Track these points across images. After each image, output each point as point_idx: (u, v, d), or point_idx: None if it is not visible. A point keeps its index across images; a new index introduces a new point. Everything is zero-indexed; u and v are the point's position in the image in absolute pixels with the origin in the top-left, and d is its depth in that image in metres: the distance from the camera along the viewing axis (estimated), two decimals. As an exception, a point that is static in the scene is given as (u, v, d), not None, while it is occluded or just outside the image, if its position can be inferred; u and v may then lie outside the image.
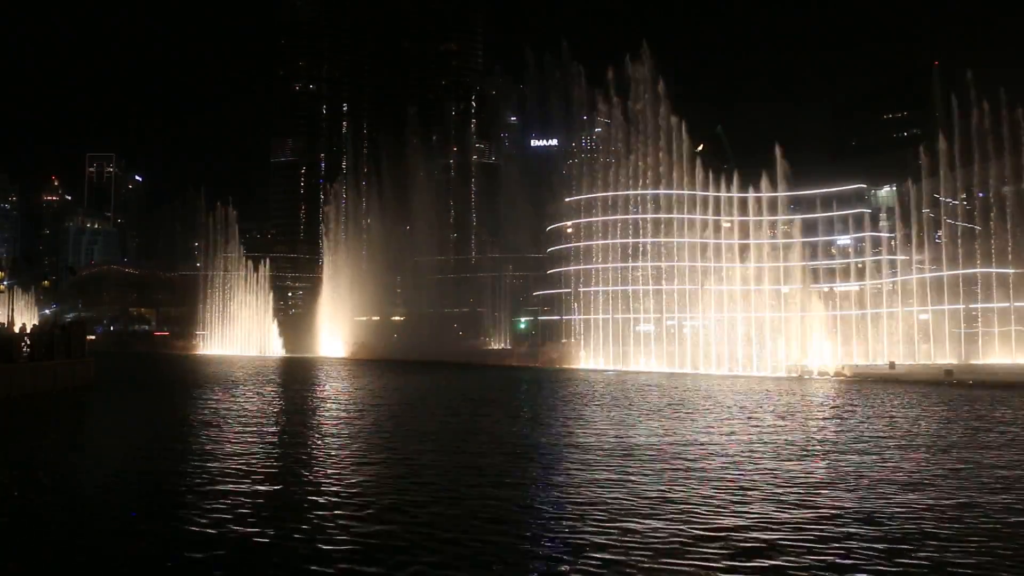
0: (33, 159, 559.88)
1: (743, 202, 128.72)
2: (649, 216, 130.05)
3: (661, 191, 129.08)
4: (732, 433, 30.13)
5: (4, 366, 40.29)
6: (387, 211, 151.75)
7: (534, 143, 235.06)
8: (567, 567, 12.73)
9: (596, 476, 20.62)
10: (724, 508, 16.93)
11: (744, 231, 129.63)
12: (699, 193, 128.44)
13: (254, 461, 22.89)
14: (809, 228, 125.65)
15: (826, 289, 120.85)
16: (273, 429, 32.03)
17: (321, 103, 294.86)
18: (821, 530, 15.14)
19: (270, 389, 54.17)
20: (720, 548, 13.84)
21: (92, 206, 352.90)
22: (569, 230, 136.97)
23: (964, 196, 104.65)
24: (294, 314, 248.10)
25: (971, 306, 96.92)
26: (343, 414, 38.16)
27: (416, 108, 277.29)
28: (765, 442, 27.26)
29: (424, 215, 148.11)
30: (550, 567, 12.84)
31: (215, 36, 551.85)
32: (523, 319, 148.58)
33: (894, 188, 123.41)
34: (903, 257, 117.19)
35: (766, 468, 22.04)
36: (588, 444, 26.58)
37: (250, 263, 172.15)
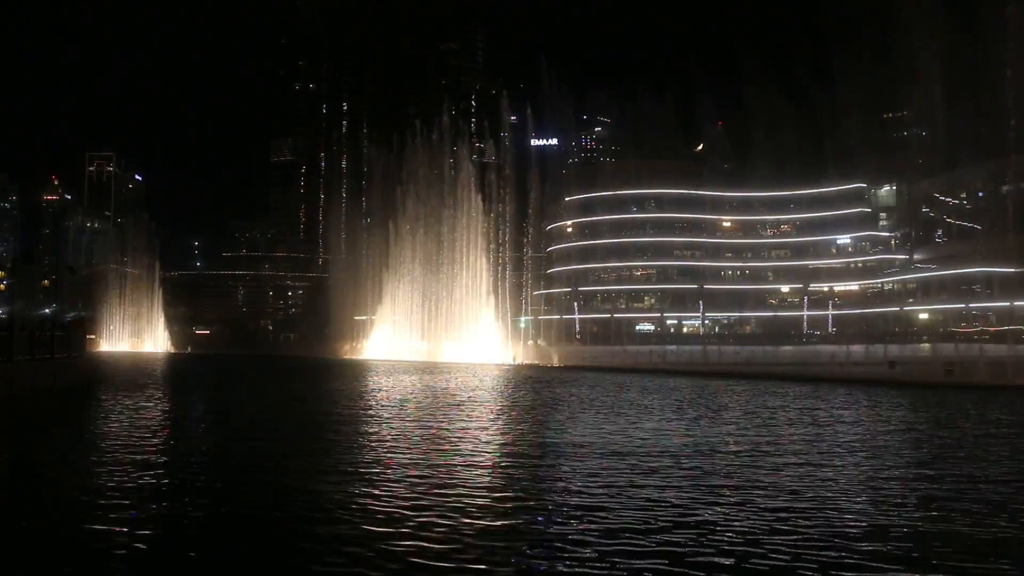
0: (33, 159, 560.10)
1: (743, 202, 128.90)
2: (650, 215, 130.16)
3: (663, 191, 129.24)
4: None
5: (2, 365, 40.27)
6: (387, 211, 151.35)
7: (534, 142, 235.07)
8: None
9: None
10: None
11: (744, 230, 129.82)
12: (701, 193, 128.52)
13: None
14: (809, 227, 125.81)
15: (826, 288, 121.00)
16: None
17: (321, 103, 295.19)
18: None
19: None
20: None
21: (92, 206, 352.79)
22: (569, 229, 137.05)
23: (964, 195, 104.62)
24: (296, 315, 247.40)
25: (971, 305, 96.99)
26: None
27: (416, 108, 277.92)
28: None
29: (424, 214, 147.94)
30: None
31: (215, 36, 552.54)
32: (523, 318, 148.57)
33: (894, 188, 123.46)
34: (902, 256, 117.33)
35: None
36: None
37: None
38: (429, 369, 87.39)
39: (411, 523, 14.58)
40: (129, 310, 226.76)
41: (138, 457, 22.51)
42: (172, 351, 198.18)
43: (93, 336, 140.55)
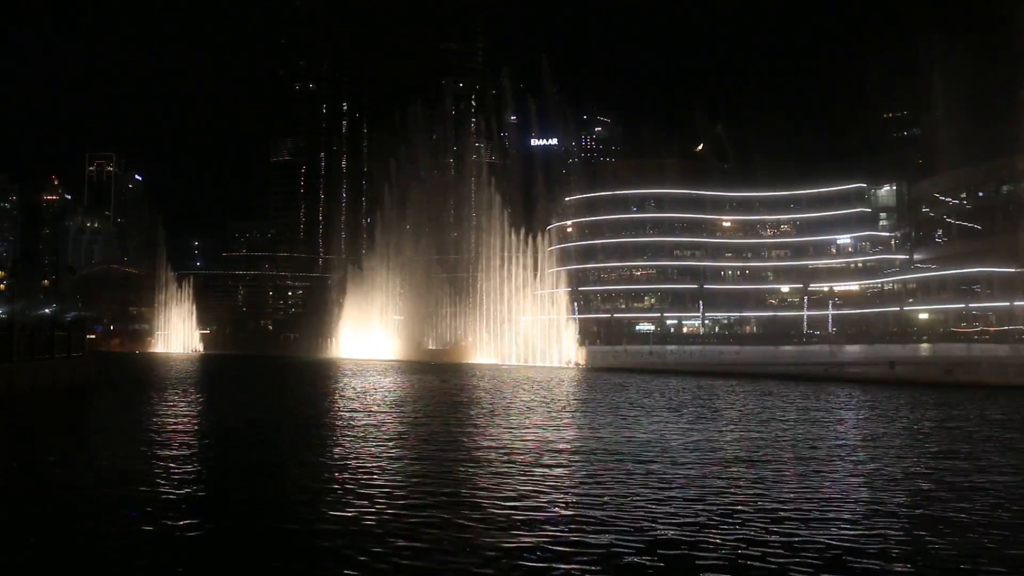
0: (33, 159, 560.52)
1: (743, 202, 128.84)
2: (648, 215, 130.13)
3: (663, 191, 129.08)
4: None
5: (2, 365, 40.21)
6: (386, 211, 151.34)
7: (534, 142, 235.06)
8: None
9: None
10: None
11: (744, 230, 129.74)
12: (698, 193, 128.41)
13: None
14: (809, 227, 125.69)
15: (826, 288, 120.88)
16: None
17: (321, 103, 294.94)
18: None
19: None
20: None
21: (92, 206, 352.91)
22: (569, 229, 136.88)
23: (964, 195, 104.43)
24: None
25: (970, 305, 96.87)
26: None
27: (416, 108, 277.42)
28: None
29: (424, 214, 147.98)
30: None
31: (215, 36, 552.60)
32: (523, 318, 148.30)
33: (894, 188, 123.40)
34: (903, 256, 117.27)
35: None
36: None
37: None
38: (430, 369, 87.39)
39: (406, 528, 14.55)
40: (130, 310, 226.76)
41: (137, 458, 22.47)
42: (179, 351, 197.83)
43: (93, 336, 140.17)
